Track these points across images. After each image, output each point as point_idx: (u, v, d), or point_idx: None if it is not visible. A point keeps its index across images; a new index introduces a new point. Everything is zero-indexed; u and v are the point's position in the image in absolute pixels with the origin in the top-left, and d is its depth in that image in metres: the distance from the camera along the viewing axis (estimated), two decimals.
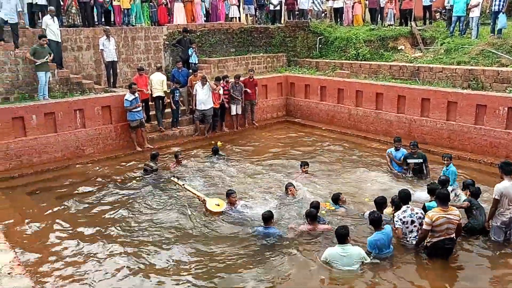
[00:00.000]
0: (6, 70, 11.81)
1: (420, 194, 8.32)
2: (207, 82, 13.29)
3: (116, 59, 13.72)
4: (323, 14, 20.86)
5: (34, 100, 11.68)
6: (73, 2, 14.65)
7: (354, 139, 13.46)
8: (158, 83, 13.04)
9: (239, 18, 19.47)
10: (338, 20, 19.71)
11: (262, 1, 19.97)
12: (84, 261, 6.80)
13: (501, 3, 14.06)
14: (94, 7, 15.46)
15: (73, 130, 11.60)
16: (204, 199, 8.58)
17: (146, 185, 9.88)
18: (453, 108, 11.88)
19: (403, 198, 7.03)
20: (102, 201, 9.08)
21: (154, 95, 13.00)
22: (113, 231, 7.77)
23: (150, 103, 13.21)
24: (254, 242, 7.23)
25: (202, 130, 13.77)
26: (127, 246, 7.22)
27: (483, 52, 13.85)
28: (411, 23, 17.48)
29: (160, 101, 13.15)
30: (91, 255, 6.97)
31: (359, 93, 14.16)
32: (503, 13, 14.14)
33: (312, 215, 7.28)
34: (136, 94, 12.00)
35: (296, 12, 19.71)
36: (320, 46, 18.01)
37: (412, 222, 6.83)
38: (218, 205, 8.38)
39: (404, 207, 6.93)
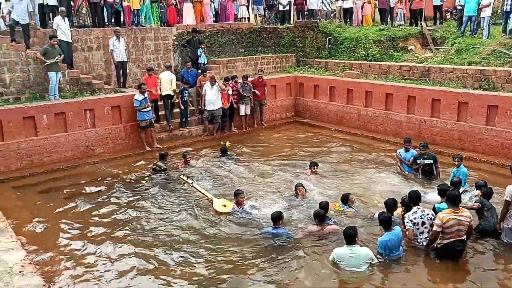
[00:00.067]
0: (17, 70, 11.93)
1: (432, 195, 8.24)
2: (216, 83, 13.31)
3: (126, 60, 13.79)
4: (332, 14, 20.81)
5: (45, 100, 11.78)
6: (83, 3, 14.74)
7: (364, 140, 13.40)
8: (167, 82, 13.10)
9: (248, 18, 19.47)
10: (348, 20, 19.64)
11: (271, 1, 19.95)
12: (93, 261, 6.83)
13: None
14: (104, 8, 15.54)
15: (83, 130, 11.68)
16: (211, 199, 8.59)
17: (155, 185, 9.90)
18: (464, 108, 11.78)
19: (414, 198, 6.98)
20: (111, 201, 9.11)
21: (163, 94, 13.05)
22: (122, 231, 7.80)
23: (159, 103, 13.26)
24: (262, 243, 7.22)
25: (211, 130, 13.79)
26: (136, 246, 7.24)
27: (494, 53, 13.72)
28: (421, 23, 17.37)
29: (169, 100, 13.21)
30: (100, 255, 7.00)
31: (369, 94, 14.09)
32: None
33: (320, 216, 7.26)
34: (146, 94, 12.05)
35: (305, 12, 19.66)
36: (329, 46, 17.95)
37: (423, 223, 6.77)
38: (225, 205, 8.38)
39: (414, 208, 6.88)
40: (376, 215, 7.03)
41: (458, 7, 16.96)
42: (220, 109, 13.50)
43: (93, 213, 8.55)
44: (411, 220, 6.80)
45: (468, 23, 15.51)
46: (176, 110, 13.55)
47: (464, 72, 13.26)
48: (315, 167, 9.98)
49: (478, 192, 7.79)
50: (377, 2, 19.48)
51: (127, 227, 7.93)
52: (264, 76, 14.93)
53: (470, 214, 6.54)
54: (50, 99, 11.75)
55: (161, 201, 9.01)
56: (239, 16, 19.00)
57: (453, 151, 11.15)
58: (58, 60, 11.71)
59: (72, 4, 14.57)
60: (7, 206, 8.42)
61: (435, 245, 6.59)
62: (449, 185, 7.83)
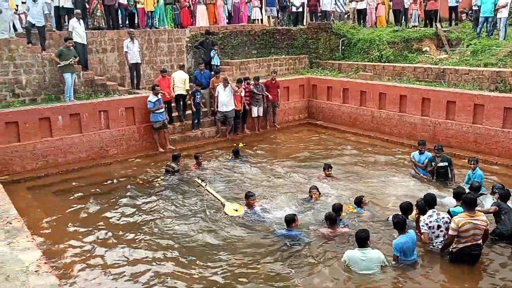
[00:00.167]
0: (33, 72, 12.09)
1: (450, 199, 8.06)
2: (229, 84, 13.33)
3: (139, 61, 13.89)
4: (346, 16, 20.71)
5: (60, 102, 11.91)
6: (98, 5, 14.88)
7: (377, 142, 13.29)
8: (180, 81, 13.18)
9: (261, 20, 19.47)
10: (361, 21, 19.52)
11: (284, 2, 19.92)
12: (107, 262, 6.85)
13: None
14: (119, 10, 15.68)
15: (97, 131, 11.78)
16: (223, 203, 8.60)
17: (167, 186, 9.95)
18: (480, 111, 11.62)
19: (429, 202, 6.89)
20: (124, 202, 9.15)
21: (175, 93, 13.13)
22: (136, 233, 7.80)
23: (172, 104, 13.33)
24: (275, 246, 7.20)
25: (224, 131, 13.81)
26: (149, 249, 7.24)
27: (511, 54, 13.50)
28: (436, 24, 17.19)
29: (181, 100, 13.28)
30: (114, 256, 7.02)
31: (382, 96, 13.98)
32: None
33: (332, 218, 7.22)
34: (159, 96, 12.12)
35: (319, 14, 19.59)
36: (342, 48, 17.86)
37: (439, 227, 6.68)
38: (237, 210, 8.37)
39: (430, 212, 6.79)
40: (391, 218, 6.96)
41: (474, 8, 16.74)
42: (233, 110, 13.52)
43: (107, 214, 8.61)
44: (427, 224, 6.71)
45: (485, 24, 15.30)
46: (188, 111, 13.60)
47: (480, 73, 13.08)
48: (329, 169, 9.92)
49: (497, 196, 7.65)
50: (391, 3, 19.32)
51: (140, 229, 7.95)
52: (277, 78, 14.91)
53: (486, 218, 6.44)
54: (65, 101, 11.88)
55: (174, 203, 9.03)
56: (252, 18, 19.01)
57: (469, 153, 11.01)
58: (72, 62, 11.84)
59: (87, 6, 14.72)
60: (23, 206, 8.50)
61: (451, 249, 6.49)
62: (469, 189, 7.69)
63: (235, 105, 13.54)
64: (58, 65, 11.80)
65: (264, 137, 14.21)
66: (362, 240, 6.21)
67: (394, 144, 12.97)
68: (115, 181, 10.49)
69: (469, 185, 8.47)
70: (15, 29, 13.43)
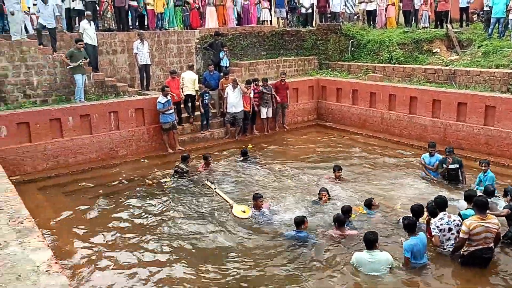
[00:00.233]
0: (44, 73, 12.20)
1: (464, 202, 7.92)
2: (238, 85, 13.35)
3: (149, 63, 13.96)
4: (355, 17, 20.61)
5: (70, 103, 12.01)
6: (108, 7, 15.00)
7: (387, 144, 13.20)
8: (190, 82, 13.23)
9: (271, 21, 19.48)
10: (371, 22, 19.43)
11: (294, 4, 19.91)
12: (116, 264, 6.86)
13: None
14: (129, 12, 15.77)
15: (107, 131, 11.85)
16: (231, 205, 8.61)
17: (176, 187, 9.98)
18: (491, 112, 11.50)
19: (440, 204, 6.82)
20: (134, 204, 9.16)
21: (184, 93, 13.18)
22: (145, 235, 7.80)
23: (181, 105, 13.38)
24: (282, 246, 7.20)
25: (233, 133, 13.82)
26: (159, 251, 7.23)
27: None
28: (447, 25, 17.05)
29: (189, 101, 13.35)
30: (123, 258, 7.02)
31: (392, 97, 13.89)
32: None
33: (340, 220, 7.20)
34: (169, 97, 12.16)
35: (328, 15, 19.55)
36: (352, 49, 17.79)
37: (450, 229, 6.61)
38: (244, 211, 8.36)
39: (441, 214, 6.72)
40: (401, 220, 6.90)
41: (485, 9, 16.59)
42: (242, 112, 13.52)
43: (116, 215, 8.63)
44: (437, 227, 6.64)
45: (496, 25, 15.15)
46: (197, 112, 13.64)
47: (492, 75, 12.95)
48: (339, 171, 9.87)
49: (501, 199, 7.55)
50: (401, 5, 19.22)
51: (149, 231, 7.96)
52: (286, 79, 14.89)
53: (498, 221, 6.36)
54: (75, 102, 11.97)
55: (183, 204, 9.04)
56: (261, 19, 19.03)
57: (480, 156, 10.91)
58: (82, 63, 11.91)
59: (98, 8, 14.83)
60: (34, 206, 8.56)
61: (462, 253, 6.43)
62: (483, 193, 7.59)
63: (244, 106, 13.54)
64: (68, 67, 11.90)
65: (273, 139, 14.19)
66: (371, 242, 6.18)
67: (404, 146, 12.88)
68: (124, 182, 10.53)
69: (481, 188, 8.38)
70: (26, 30, 13.57)
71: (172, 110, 12.31)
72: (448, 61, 15.19)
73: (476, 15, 19.13)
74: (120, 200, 9.36)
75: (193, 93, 13.34)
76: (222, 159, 11.91)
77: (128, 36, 14.55)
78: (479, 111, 11.70)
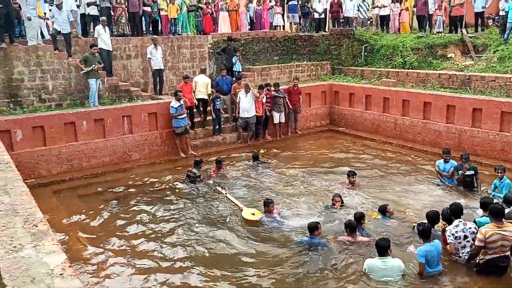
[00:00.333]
0: (59, 78, 12.36)
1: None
2: (250, 90, 13.36)
3: (162, 67, 14.06)
4: (368, 22, 20.53)
5: (85, 107, 12.13)
6: (123, 13, 15.16)
7: (401, 150, 13.08)
8: (203, 86, 13.32)
9: (283, 26, 19.49)
10: (384, 27, 19.33)
11: (307, 9, 19.91)
12: (129, 269, 6.85)
13: None
14: (143, 17, 15.93)
15: (120, 136, 11.93)
16: (241, 208, 8.61)
17: (188, 192, 9.99)
18: (507, 118, 11.33)
19: (455, 211, 6.72)
20: (146, 208, 9.18)
21: (197, 97, 13.24)
22: (158, 240, 7.80)
23: (194, 110, 13.43)
24: (294, 252, 7.16)
25: (245, 137, 13.82)
26: (172, 257, 7.21)
27: None
28: (461, 30, 16.88)
29: (202, 104, 13.44)
30: (137, 262, 7.02)
31: (406, 102, 13.77)
32: None
33: (352, 226, 7.14)
34: (182, 101, 12.22)
35: (341, 20, 19.50)
36: (365, 54, 17.71)
37: (465, 237, 6.51)
38: (254, 214, 8.37)
39: (456, 221, 6.62)
40: (416, 226, 6.83)
41: (501, 14, 16.38)
42: (254, 116, 13.53)
43: (129, 220, 8.65)
44: (453, 234, 6.54)
45: None
46: (209, 117, 13.68)
47: (508, 80, 12.78)
48: (354, 176, 9.80)
49: None
50: (415, 9, 19.09)
51: (161, 236, 7.95)
52: (299, 84, 14.87)
53: None
54: (90, 106, 12.09)
55: (194, 209, 9.04)
56: (274, 24, 19.06)
57: (495, 162, 10.74)
58: (95, 68, 12.03)
59: (112, 13, 15.00)
60: (49, 209, 8.65)
61: (477, 261, 6.32)
62: (503, 202, 7.46)
63: (257, 111, 13.55)
64: (82, 71, 12.04)
65: (285, 144, 14.15)
66: (383, 248, 6.11)
67: (418, 151, 12.75)
68: (137, 185, 10.58)
69: (498, 195, 8.25)
70: (42, 36, 13.78)
71: (185, 115, 12.36)
72: (463, 66, 15.03)
73: (491, 20, 18.91)
74: (133, 204, 9.40)
75: (206, 97, 13.42)
76: (234, 163, 11.91)
77: (142, 41, 14.68)
78: (495, 117, 11.54)
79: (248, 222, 8.27)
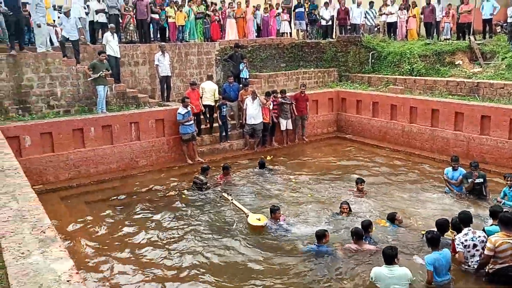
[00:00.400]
0: (68, 84, 12.44)
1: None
2: (257, 97, 13.37)
3: (170, 74, 14.13)
4: (375, 29, 20.52)
5: (93, 113, 12.19)
6: (131, 20, 15.27)
7: (408, 157, 13.02)
8: (210, 92, 13.36)
9: (290, 33, 19.53)
10: (392, 34, 19.31)
11: (314, 16, 19.94)
12: (136, 278, 6.82)
13: None
14: (151, 24, 16.04)
15: (128, 142, 11.98)
16: (247, 214, 8.61)
17: (195, 199, 9.99)
18: None
19: (464, 220, 6.65)
20: (153, 215, 9.18)
21: (203, 103, 13.28)
22: (163, 247, 7.78)
23: (201, 117, 13.46)
24: (301, 259, 7.12)
25: (252, 144, 13.82)
26: (178, 266, 7.18)
27: None
28: (469, 37, 16.82)
29: (208, 110, 13.47)
30: (144, 272, 6.99)
31: (413, 110, 13.71)
32: None
33: (358, 234, 7.09)
34: (189, 108, 12.25)
35: (348, 27, 19.51)
36: (372, 61, 17.69)
37: (475, 246, 6.44)
38: (259, 219, 8.37)
39: (465, 230, 6.55)
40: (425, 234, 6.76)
41: (509, 20, 16.31)
42: (261, 123, 13.53)
43: (136, 227, 8.63)
44: (462, 243, 6.47)
45: None
46: (216, 124, 13.70)
47: None
48: (362, 184, 9.75)
49: None
50: (422, 16, 19.05)
51: (168, 244, 7.92)
52: (306, 91, 14.86)
53: None
54: (97, 112, 12.15)
55: (201, 216, 9.03)
56: (281, 31, 19.09)
57: (505, 170, 10.61)
58: (103, 75, 12.11)
59: (121, 21, 15.12)
60: (56, 215, 8.69)
61: (487, 270, 6.24)
62: None
63: (264, 118, 13.55)
64: (90, 78, 12.12)
65: (292, 150, 14.12)
66: (390, 257, 6.05)
67: (425, 159, 12.67)
68: (144, 192, 10.59)
69: (508, 203, 8.16)
70: (51, 42, 13.90)
71: (192, 121, 12.39)
72: (471, 74, 14.95)
73: (499, 26, 18.83)
74: (140, 211, 9.41)
75: (213, 103, 13.45)
76: (241, 170, 11.90)
77: (150, 48, 14.77)
78: (504, 125, 11.45)
79: (254, 227, 8.25)
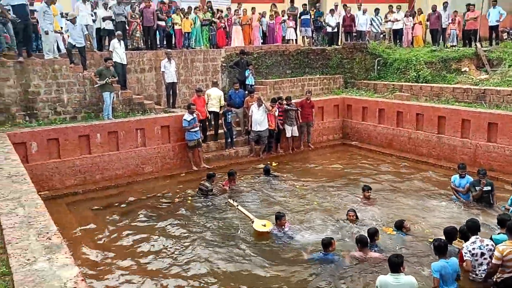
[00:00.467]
0: (74, 91, 12.51)
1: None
2: (263, 104, 13.38)
3: (176, 81, 14.18)
4: (381, 36, 20.52)
5: (99, 119, 12.23)
6: (137, 27, 15.36)
7: (415, 164, 12.95)
8: (216, 99, 13.37)
9: (296, 40, 19.56)
10: (397, 41, 19.30)
11: (319, 23, 19.97)
12: (142, 287, 6.81)
13: None
14: (157, 31, 16.13)
15: (134, 148, 12.00)
16: (252, 220, 8.61)
17: (200, 206, 9.97)
18: None
19: (471, 228, 6.58)
20: (159, 222, 9.16)
21: (209, 109, 13.30)
22: (169, 255, 7.77)
23: (207, 123, 13.48)
24: (306, 267, 7.08)
25: (257, 151, 13.80)
26: (182, 275, 7.15)
27: None
28: (476, 44, 16.77)
29: (214, 116, 13.48)
30: (149, 280, 6.95)
31: (420, 117, 13.66)
32: None
33: (363, 241, 7.04)
34: (194, 115, 12.27)
35: (354, 34, 19.52)
36: (378, 67, 17.67)
37: (482, 254, 6.36)
38: (265, 225, 8.36)
39: (473, 238, 6.48)
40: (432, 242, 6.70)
41: None
42: (267, 130, 13.53)
43: (142, 235, 8.58)
44: (469, 251, 6.40)
45: None
46: (221, 131, 13.70)
47: None
48: (369, 191, 9.70)
49: None
50: (428, 23, 19.04)
51: (173, 251, 7.90)
52: (311, 98, 14.85)
53: None
54: (104, 119, 12.20)
55: (206, 223, 9.01)
56: (286, 38, 19.13)
57: None
58: (109, 81, 12.16)
59: (127, 28, 15.21)
60: (62, 222, 8.68)
61: (495, 279, 6.16)
62: None
63: (269, 125, 13.54)
64: (96, 85, 12.18)
65: (298, 157, 14.09)
66: (396, 265, 5.97)
67: (432, 166, 12.59)
68: (149, 198, 10.59)
69: None
70: (58, 49, 14.00)
71: (198, 128, 12.40)
72: (478, 80, 14.89)
73: (506, 33, 18.77)
74: (145, 218, 9.41)
75: (218, 110, 13.46)
76: (246, 177, 11.87)
77: (156, 54, 14.84)
78: (511, 132, 11.37)
79: (259, 233, 8.22)
